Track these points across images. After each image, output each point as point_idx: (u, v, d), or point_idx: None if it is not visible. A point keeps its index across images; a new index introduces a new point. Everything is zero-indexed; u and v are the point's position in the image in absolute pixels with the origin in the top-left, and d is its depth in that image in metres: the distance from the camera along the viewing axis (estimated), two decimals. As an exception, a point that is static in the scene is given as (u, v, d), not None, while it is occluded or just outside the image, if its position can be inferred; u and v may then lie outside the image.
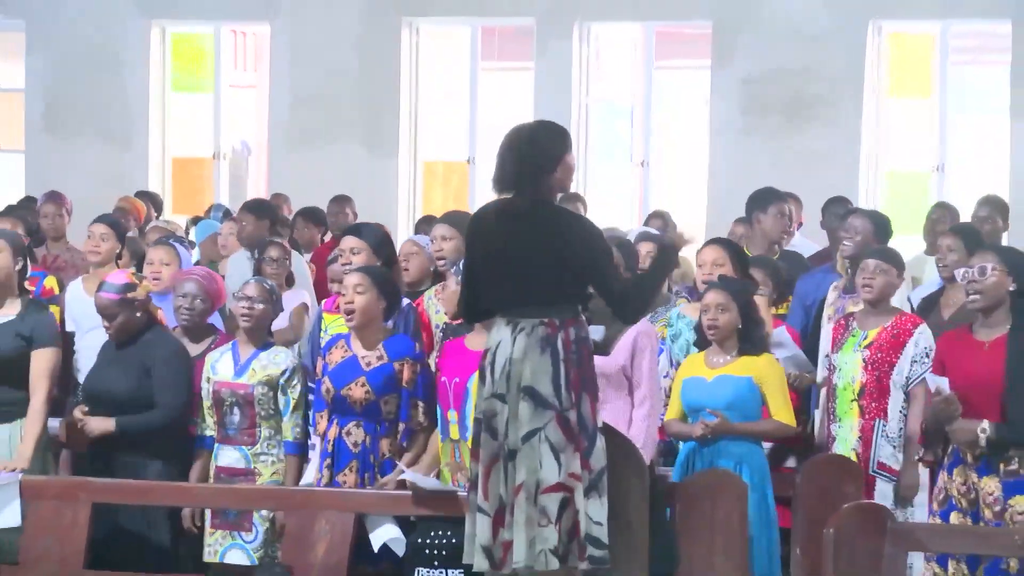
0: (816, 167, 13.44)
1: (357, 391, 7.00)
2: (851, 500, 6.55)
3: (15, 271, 7.52)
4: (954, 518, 6.50)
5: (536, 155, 6.13)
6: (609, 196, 15.14)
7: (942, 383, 6.46)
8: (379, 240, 7.90)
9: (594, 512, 6.01)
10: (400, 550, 6.96)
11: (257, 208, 10.89)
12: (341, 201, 12.49)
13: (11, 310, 7.42)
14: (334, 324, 7.73)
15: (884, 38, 14.05)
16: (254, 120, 16.16)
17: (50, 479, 7.30)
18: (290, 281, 9.38)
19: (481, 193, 14.43)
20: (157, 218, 13.08)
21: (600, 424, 6.14)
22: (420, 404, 7.03)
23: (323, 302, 8.34)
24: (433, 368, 7.23)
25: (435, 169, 15.49)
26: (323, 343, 7.48)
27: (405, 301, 7.70)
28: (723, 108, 14.20)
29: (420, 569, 6.85)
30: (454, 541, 6.56)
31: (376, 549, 6.97)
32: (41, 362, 7.37)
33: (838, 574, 6.20)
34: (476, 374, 6.54)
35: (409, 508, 6.85)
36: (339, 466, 7.05)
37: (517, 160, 6.14)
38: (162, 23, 15.53)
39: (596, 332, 6.26)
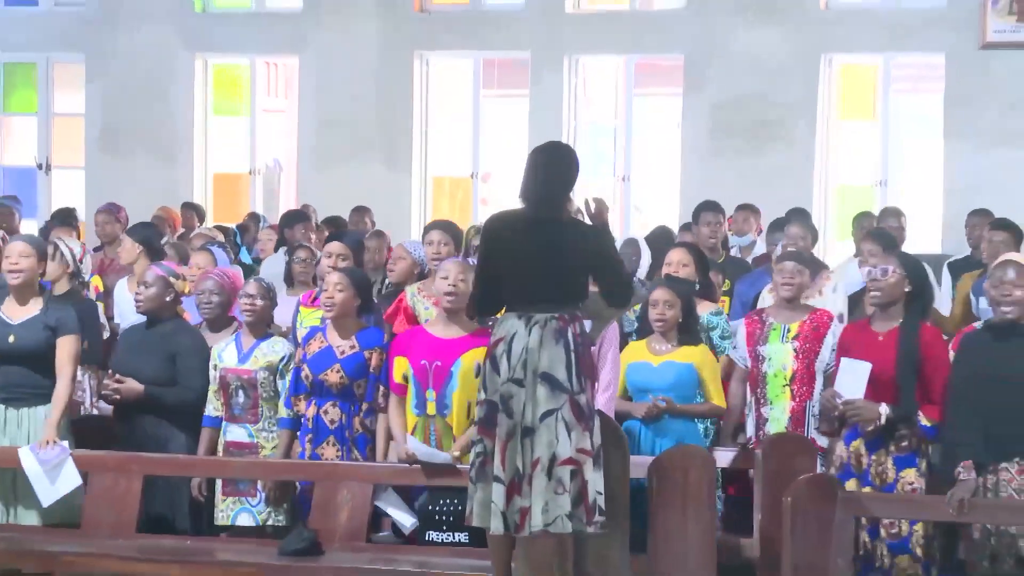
0: (775, 182, 13.45)
1: (333, 376, 7.02)
2: (806, 473, 6.54)
3: (38, 273, 7.50)
4: (852, 484, 6.50)
5: (570, 175, 6.34)
6: (595, 207, 15.13)
7: (861, 366, 6.45)
8: (357, 246, 8.31)
9: (598, 483, 6.02)
10: (405, 529, 6.97)
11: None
12: (361, 211, 12.48)
13: (36, 307, 7.39)
14: (309, 317, 7.79)
15: (834, 69, 14.06)
16: (285, 140, 16.14)
17: (108, 454, 7.28)
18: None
19: (482, 204, 14.43)
20: (200, 226, 13.09)
21: (596, 406, 6.16)
22: (382, 387, 7.04)
23: (300, 296, 8.37)
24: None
25: (442, 183, 15.47)
26: (300, 335, 7.53)
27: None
28: (694, 130, 14.21)
29: (431, 532, 6.85)
30: (460, 508, 6.53)
31: (386, 509, 7.01)
32: (65, 348, 7.31)
33: (795, 537, 6.20)
34: (461, 359, 6.67)
35: (420, 479, 6.84)
36: (318, 441, 7.05)
37: (553, 177, 6.28)
38: (204, 56, 15.54)
39: (585, 326, 6.26)
